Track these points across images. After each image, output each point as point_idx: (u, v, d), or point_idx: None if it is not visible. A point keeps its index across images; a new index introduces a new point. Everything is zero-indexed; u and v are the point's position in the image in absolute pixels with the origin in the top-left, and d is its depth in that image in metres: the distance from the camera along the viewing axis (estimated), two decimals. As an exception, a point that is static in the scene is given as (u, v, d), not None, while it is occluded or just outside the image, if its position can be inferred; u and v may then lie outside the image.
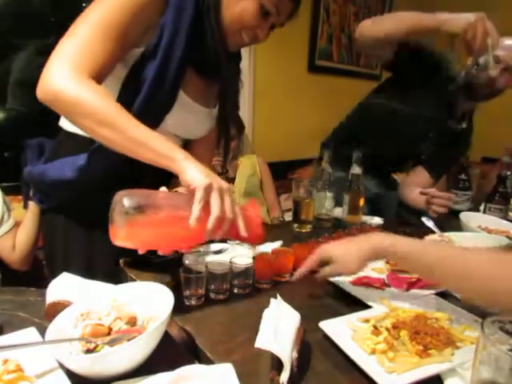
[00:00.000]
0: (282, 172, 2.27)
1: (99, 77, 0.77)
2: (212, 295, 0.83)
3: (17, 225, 1.33)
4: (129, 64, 0.85)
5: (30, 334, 0.64)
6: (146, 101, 0.84)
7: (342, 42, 2.77)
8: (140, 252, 0.75)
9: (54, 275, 1.01)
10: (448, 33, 1.16)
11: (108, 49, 0.77)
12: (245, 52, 2.30)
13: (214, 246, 1.09)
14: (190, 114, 0.99)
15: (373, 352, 0.62)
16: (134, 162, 0.74)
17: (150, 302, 0.65)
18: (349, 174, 1.33)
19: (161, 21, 0.83)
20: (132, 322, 0.62)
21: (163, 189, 0.81)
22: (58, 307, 0.64)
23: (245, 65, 2.34)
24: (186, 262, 0.95)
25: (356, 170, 1.32)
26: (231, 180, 1.92)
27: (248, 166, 2.04)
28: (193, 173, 0.71)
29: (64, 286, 0.70)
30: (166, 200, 0.76)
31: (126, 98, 0.83)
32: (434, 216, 1.31)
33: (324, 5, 2.60)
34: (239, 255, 0.91)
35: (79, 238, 0.98)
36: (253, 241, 0.92)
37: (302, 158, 2.59)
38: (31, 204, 1.29)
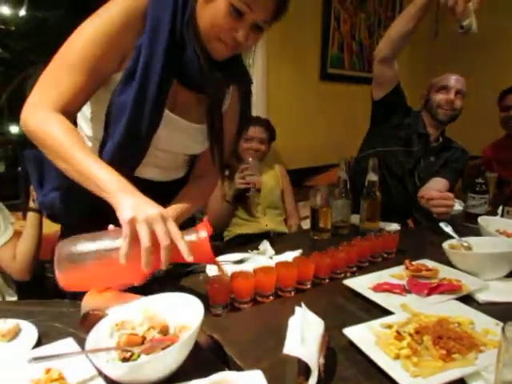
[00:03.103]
0: (296, 179, 2.28)
1: (70, 108, 0.82)
2: (236, 304, 0.86)
3: (17, 235, 1.35)
4: (111, 89, 0.86)
5: (69, 344, 0.68)
6: (130, 124, 0.84)
7: (354, 49, 2.79)
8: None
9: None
10: (434, 1, 1.36)
11: (79, 82, 0.80)
12: (258, 62, 2.35)
13: (235, 256, 1.13)
14: (180, 132, 0.96)
15: (397, 357, 0.64)
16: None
17: (180, 312, 0.68)
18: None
19: (137, 43, 0.82)
20: (164, 331, 0.65)
21: (111, 227, 0.77)
22: (93, 317, 0.68)
23: (258, 75, 2.38)
24: (211, 272, 0.98)
25: (372, 176, 1.34)
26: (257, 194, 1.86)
27: (272, 178, 2.03)
28: (122, 207, 0.70)
29: (98, 297, 0.73)
30: (105, 241, 0.74)
31: (110, 123, 0.86)
32: (437, 217, 1.35)
33: (334, 14, 2.63)
34: (261, 264, 0.94)
35: None
36: (204, 261, 0.91)
37: (317, 165, 2.62)
38: (30, 214, 1.34)
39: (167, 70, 0.84)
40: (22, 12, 1.84)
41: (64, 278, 0.73)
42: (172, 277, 0.97)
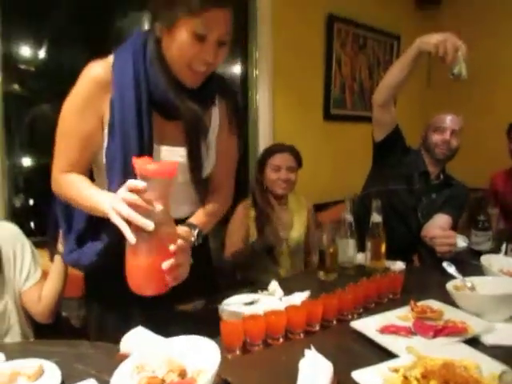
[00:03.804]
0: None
1: (77, 166, 0.98)
2: (248, 346, 0.89)
3: (44, 276, 1.33)
4: (103, 144, 0.97)
5: (91, 386, 0.72)
6: (123, 169, 0.93)
7: (355, 89, 2.92)
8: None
9: (90, 325, 1.12)
10: (425, 52, 1.45)
11: (74, 146, 0.96)
12: (264, 102, 2.48)
13: (246, 298, 1.16)
14: (175, 159, 1.00)
15: (405, 401, 0.66)
16: None
17: (197, 355, 0.71)
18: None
19: (111, 98, 0.93)
20: (183, 374, 0.69)
21: None
22: (123, 358, 0.72)
23: (264, 116, 2.50)
24: (224, 314, 1.01)
25: (376, 217, 1.39)
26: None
27: (299, 221, 1.93)
28: (102, 201, 0.86)
29: (131, 338, 0.78)
30: None
31: (108, 174, 0.97)
32: (440, 256, 1.38)
33: (336, 57, 2.78)
34: (271, 307, 0.97)
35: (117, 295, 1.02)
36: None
37: (322, 202, 2.67)
38: (57, 257, 1.33)
39: (142, 112, 0.93)
40: (42, 53, 1.94)
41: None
42: (190, 319, 1.01)
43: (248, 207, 1.87)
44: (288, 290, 1.19)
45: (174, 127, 1.00)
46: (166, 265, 0.79)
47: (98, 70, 0.94)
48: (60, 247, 1.36)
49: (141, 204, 0.76)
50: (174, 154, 1.01)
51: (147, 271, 0.80)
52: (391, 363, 0.78)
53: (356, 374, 0.74)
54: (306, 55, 2.69)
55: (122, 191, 0.79)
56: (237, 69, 2.57)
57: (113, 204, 0.80)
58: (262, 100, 2.51)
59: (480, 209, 1.57)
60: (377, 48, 3.09)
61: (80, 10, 2.01)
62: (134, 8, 2.13)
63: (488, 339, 0.88)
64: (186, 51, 0.88)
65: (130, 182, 0.78)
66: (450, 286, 1.07)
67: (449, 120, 1.72)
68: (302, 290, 1.16)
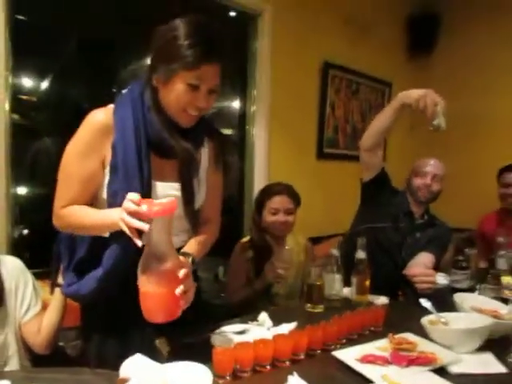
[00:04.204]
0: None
1: (75, 203, 1.06)
2: (238, 373, 0.97)
3: (43, 307, 1.35)
4: (106, 181, 1.06)
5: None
6: None
7: (347, 131, 3.10)
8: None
9: (89, 354, 1.17)
10: (407, 105, 1.57)
11: (76, 188, 1.06)
12: (261, 142, 2.63)
13: (237, 327, 1.25)
14: (170, 193, 1.10)
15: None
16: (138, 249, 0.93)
17: (191, 380, 0.80)
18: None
19: (112, 144, 1.04)
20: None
21: None
22: (123, 383, 0.80)
23: (261, 152, 2.65)
24: (216, 342, 1.10)
25: (361, 254, 1.50)
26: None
27: (299, 258, 1.94)
28: (110, 213, 0.98)
29: (130, 365, 0.86)
30: None
31: (109, 206, 1.05)
32: (421, 293, 1.47)
33: (330, 101, 2.99)
34: (260, 336, 1.06)
35: (116, 324, 1.12)
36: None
37: (315, 236, 2.78)
38: (57, 290, 1.36)
39: (142, 153, 1.04)
40: (45, 84, 2.02)
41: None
42: (186, 347, 1.09)
43: (246, 247, 1.88)
44: (277, 321, 1.27)
45: (168, 165, 1.12)
46: (178, 291, 0.89)
47: (100, 117, 1.06)
48: (60, 280, 1.39)
49: (136, 211, 0.88)
50: (169, 189, 1.12)
51: (163, 299, 0.90)
52: (366, 389, 0.87)
53: (333, 398, 0.82)
54: (301, 97, 2.87)
55: (125, 203, 0.91)
56: (236, 104, 2.73)
57: (121, 215, 0.90)
58: (258, 136, 2.65)
59: (458, 250, 1.68)
60: (369, 94, 3.29)
61: (85, 50, 2.14)
62: (135, 57, 2.26)
63: (454, 369, 0.98)
64: (181, 99, 1.01)
65: (130, 195, 0.90)
66: (424, 320, 1.17)
67: (430, 165, 1.86)
68: (289, 321, 1.25)
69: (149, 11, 2.20)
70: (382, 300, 1.52)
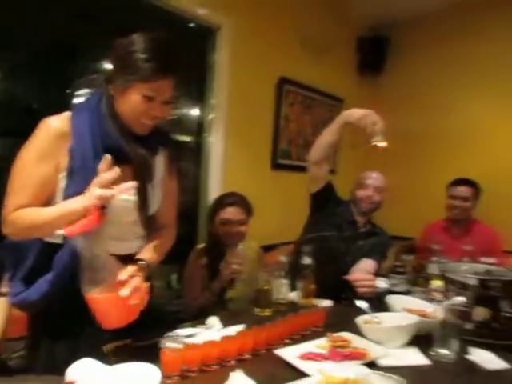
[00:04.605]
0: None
1: (27, 206, 1.06)
2: (185, 373, 1.02)
3: None
4: (61, 186, 1.09)
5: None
6: None
7: (300, 143, 3.23)
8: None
9: (38, 362, 1.15)
10: (349, 123, 1.72)
11: (28, 194, 1.06)
12: (216, 145, 2.71)
13: (185, 332, 1.29)
14: (125, 198, 1.13)
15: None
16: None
17: (138, 381, 0.84)
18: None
19: (70, 147, 1.07)
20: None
21: None
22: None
23: (217, 164, 2.71)
24: (165, 345, 1.14)
25: (306, 260, 1.60)
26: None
27: (252, 265, 1.96)
28: (72, 202, 1.00)
29: (76, 368, 0.89)
30: None
31: None
32: (361, 296, 1.59)
33: (284, 115, 3.12)
34: (208, 339, 1.12)
35: (66, 329, 1.13)
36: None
37: (269, 243, 2.87)
38: (1, 300, 1.35)
39: (99, 158, 1.05)
40: None
41: None
42: (136, 350, 1.12)
43: (201, 253, 1.93)
44: (227, 324, 1.34)
45: (125, 170, 1.13)
46: (124, 292, 0.93)
47: (57, 123, 1.09)
48: (3, 289, 1.35)
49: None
50: (125, 194, 1.12)
51: (110, 304, 0.93)
52: (302, 382, 0.95)
53: (272, 390, 0.90)
54: (257, 109, 2.98)
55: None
56: (195, 112, 2.78)
57: (93, 193, 0.94)
58: (214, 145, 2.72)
59: (396, 256, 1.82)
60: (322, 109, 3.46)
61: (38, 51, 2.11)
62: (89, 61, 2.23)
63: (383, 362, 1.09)
64: (136, 109, 1.07)
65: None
66: (359, 320, 1.28)
67: (372, 178, 2.01)
68: (238, 324, 1.32)
69: (109, 20, 2.22)
70: (326, 303, 1.63)
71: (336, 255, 1.99)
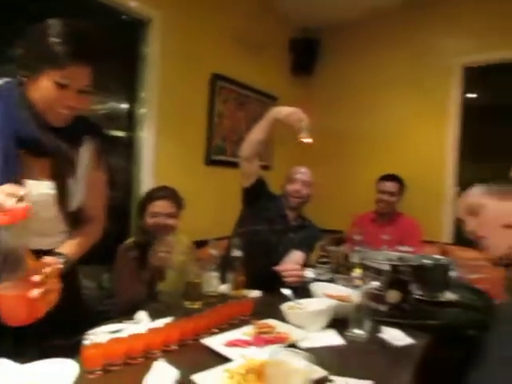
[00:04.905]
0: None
1: None
2: (109, 366, 1.01)
3: None
4: None
5: None
6: None
7: (234, 139, 3.27)
8: None
9: None
10: (277, 120, 1.80)
11: None
12: (147, 144, 2.66)
13: (112, 327, 1.27)
14: (43, 192, 1.10)
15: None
16: None
17: (54, 376, 0.82)
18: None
19: None
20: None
21: None
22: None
23: (148, 159, 2.67)
24: (88, 341, 1.11)
25: (236, 253, 1.64)
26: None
27: (181, 258, 1.94)
28: None
29: None
30: None
31: None
32: (289, 285, 1.67)
33: (218, 111, 3.15)
34: (135, 332, 1.11)
35: None
36: None
37: (204, 239, 2.88)
38: None
39: (10, 150, 1.02)
40: None
41: None
42: (57, 348, 1.08)
43: (130, 248, 1.90)
44: (155, 317, 1.33)
45: (43, 163, 1.10)
46: (35, 294, 0.89)
47: None
48: None
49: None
50: (44, 188, 1.11)
51: (16, 302, 0.89)
52: (225, 366, 0.98)
53: (195, 376, 0.92)
54: (191, 105, 2.97)
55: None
56: (125, 106, 2.70)
57: None
58: (146, 139, 2.67)
59: (321, 248, 1.94)
60: (256, 106, 3.53)
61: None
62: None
63: (303, 344, 1.16)
64: (48, 97, 1.02)
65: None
66: (284, 306, 1.35)
67: (300, 173, 2.11)
68: (167, 317, 1.32)
69: (37, 9, 2.08)
70: (255, 293, 1.68)
71: (267, 248, 2.06)
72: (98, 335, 1.18)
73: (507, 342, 0.63)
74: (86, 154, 1.21)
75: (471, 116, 3.38)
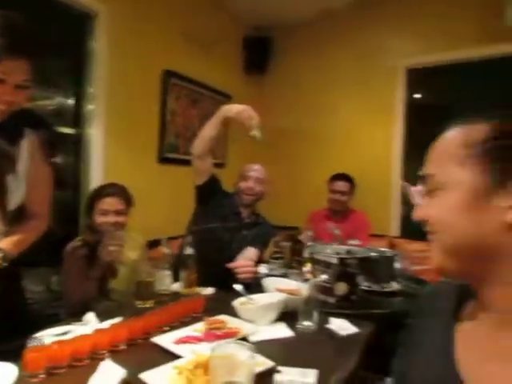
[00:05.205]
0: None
1: None
2: (53, 370, 0.98)
3: None
4: None
5: None
6: None
7: (187, 137, 3.24)
8: None
9: None
10: (228, 118, 1.83)
11: None
12: (96, 141, 2.58)
13: (58, 330, 1.23)
14: None
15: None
16: None
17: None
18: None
19: None
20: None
21: None
22: None
23: (97, 156, 2.59)
24: (31, 345, 1.07)
25: (187, 250, 1.63)
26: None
27: (134, 255, 1.90)
28: None
29: None
30: None
31: None
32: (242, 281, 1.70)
33: (170, 108, 3.10)
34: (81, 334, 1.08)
35: None
36: None
37: (158, 237, 2.83)
38: None
39: None
40: None
41: None
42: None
43: (78, 246, 1.82)
44: (104, 318, 1.30)
45: None
46: None
47: None
48: None
49: None
50: None
51: None
52: (174, 363, 0.98)
53: (143, 375, 0.92)
54: (142, 101, 2.91)
55: None
56: (73, 102, 2.60)
57: None
58: (95, 136, 2.59)
59: (275, 244, 1.98)
60: (210, 104, 3.50)
61: None
62: None
63: (253, 338, 1.18)
64: None
65: None
66: (236, 302, 1.37)
67: (253, 170, 2.13)
68: (118, 317, 1.30)
69: None
70: (209, 290, 1.69)
71: (221, 245, 2.07)
72: (44, 338, 1.14)
73: (420, 327, 0.69)
74: (27, 147, 1.16)
75: (416, 115, 3.56)
